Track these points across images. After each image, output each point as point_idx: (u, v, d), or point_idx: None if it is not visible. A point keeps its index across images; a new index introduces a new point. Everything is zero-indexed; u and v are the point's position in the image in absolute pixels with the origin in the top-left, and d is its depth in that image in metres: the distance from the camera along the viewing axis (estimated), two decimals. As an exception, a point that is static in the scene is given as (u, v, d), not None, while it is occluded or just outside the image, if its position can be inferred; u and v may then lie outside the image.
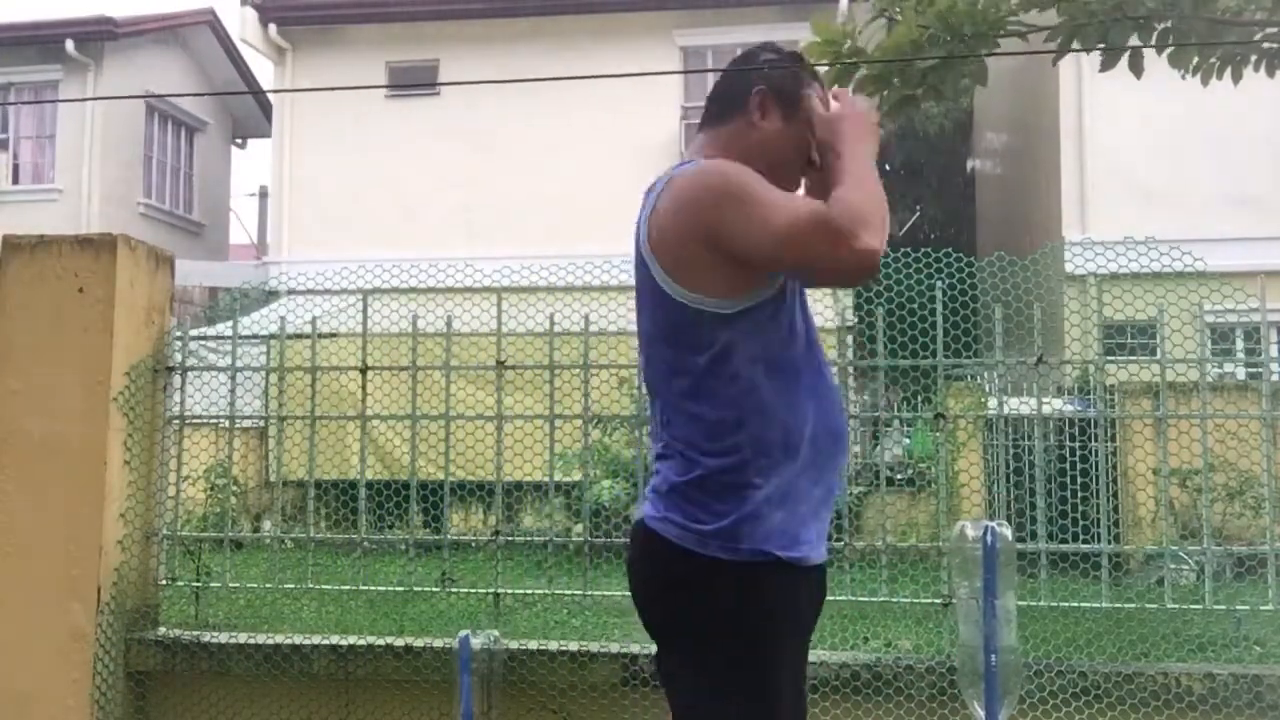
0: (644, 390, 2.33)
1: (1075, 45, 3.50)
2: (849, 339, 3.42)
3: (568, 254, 3.28)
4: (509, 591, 3.43)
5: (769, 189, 1.76)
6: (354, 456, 4.34)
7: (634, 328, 1.97)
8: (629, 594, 1.90)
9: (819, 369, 1.87)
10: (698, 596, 1.74)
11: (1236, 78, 3.64)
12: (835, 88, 2.02)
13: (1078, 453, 6.34)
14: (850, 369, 3.29)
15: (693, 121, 13.15)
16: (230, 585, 3.55)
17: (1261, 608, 3.02)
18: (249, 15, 13.80)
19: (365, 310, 3.41)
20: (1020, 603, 2.70)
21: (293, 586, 3.58)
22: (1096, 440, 5.92)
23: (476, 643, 2.91)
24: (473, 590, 3.64)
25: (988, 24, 3.39)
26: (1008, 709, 2.49)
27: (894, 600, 3.24)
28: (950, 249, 3.30)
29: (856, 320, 3.94)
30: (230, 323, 3.56)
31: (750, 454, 1.74)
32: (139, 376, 3.28)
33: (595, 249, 4.80)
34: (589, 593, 3.29)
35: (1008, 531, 2.52)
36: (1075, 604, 3.12)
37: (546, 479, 3.39)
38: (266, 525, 5.74)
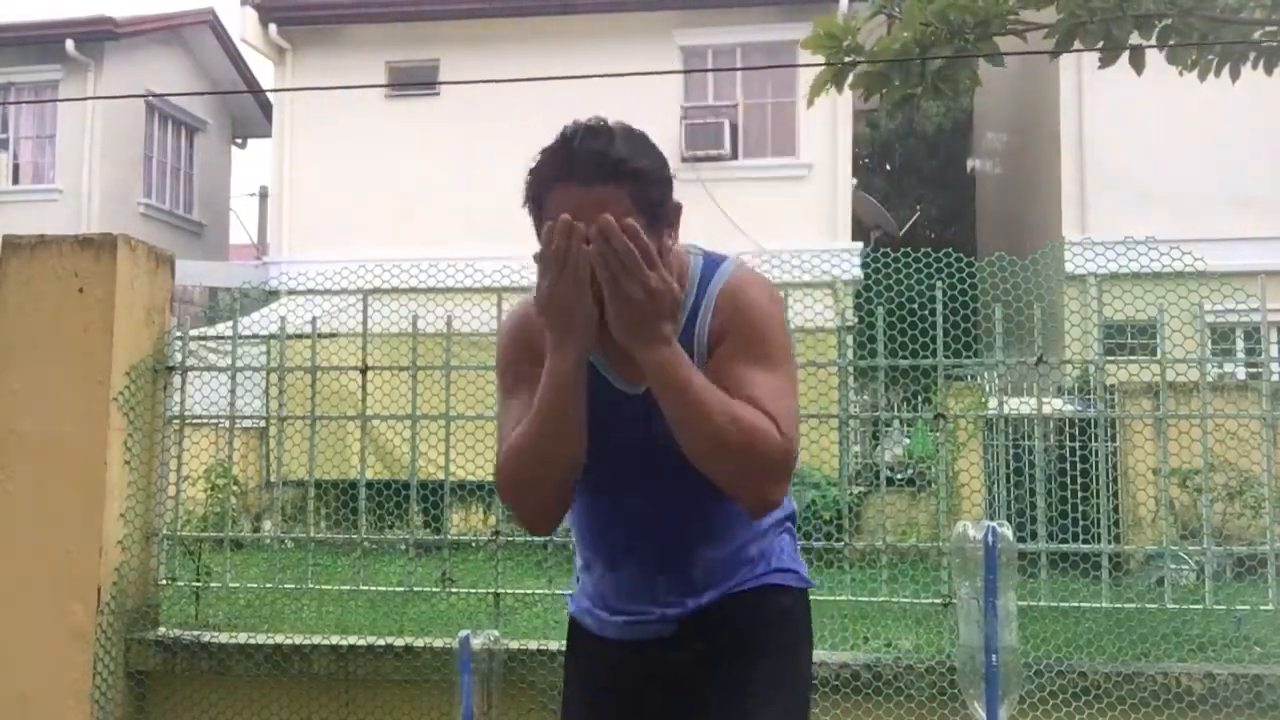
0: None
1: (1076, 45, 3.50)
2: (849, 339, 3.41)
3: (567, 253, 3.27)
4: (509, 591, 3.44)
5: None
6: (354, 456, 4.33)
7: None
8: None
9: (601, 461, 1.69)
10: None
11: (1235, 75, 3.65)
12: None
13: (1078, 453, 6.34)
14: (850, 369, 3.29)
15: (693, 121, 13.14)
16: (230, 585, 3.55)
17: (1261, 608, 3.03)
18: (249, 15, 13.78)
19: (365, 310, 3.41)
20: (1020, 603, 2.70)
21: (293, 586, 3.58)
22: (1096, 440, 5.92)
23: (476, 643, 2.91)
24: (473, 590, 3.64)
25: (988, 20, 3.40)
26: (1008, 709, 2.49)
27: (894, 600, 3.24)
28: (950, 249, 3.30)
29: (856, 320, 3.94)
30: (230, 323, 3.56)
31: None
32: (139, 376, 3.28)
33: (595, 249, 4.77)
34: (589, 593, 3.28)
35: (1008, 531, 2.52)
36: (1075, 604, 3.12)
37: (546, 479, 3.38)
38: (266, 525, 5.74)
